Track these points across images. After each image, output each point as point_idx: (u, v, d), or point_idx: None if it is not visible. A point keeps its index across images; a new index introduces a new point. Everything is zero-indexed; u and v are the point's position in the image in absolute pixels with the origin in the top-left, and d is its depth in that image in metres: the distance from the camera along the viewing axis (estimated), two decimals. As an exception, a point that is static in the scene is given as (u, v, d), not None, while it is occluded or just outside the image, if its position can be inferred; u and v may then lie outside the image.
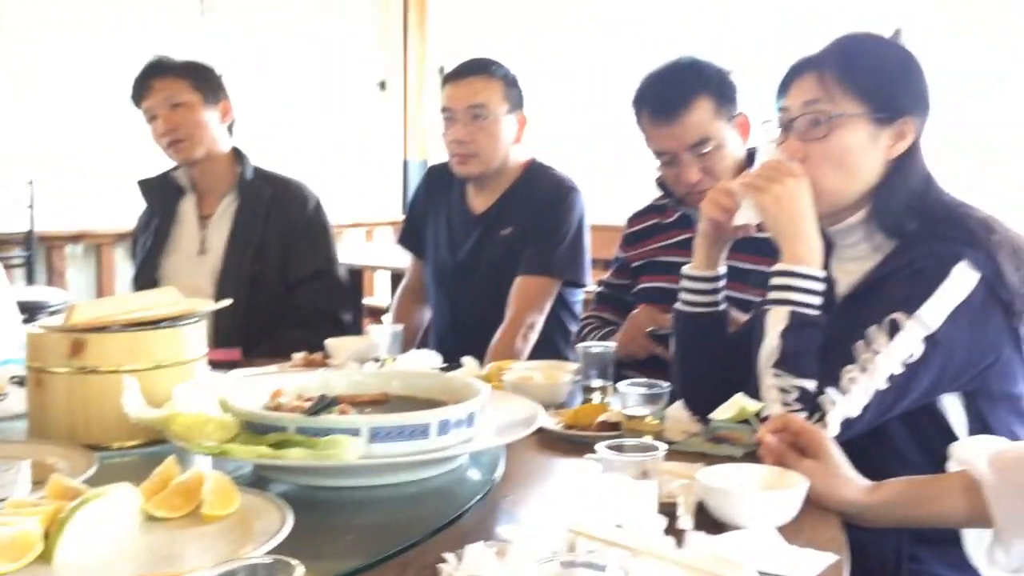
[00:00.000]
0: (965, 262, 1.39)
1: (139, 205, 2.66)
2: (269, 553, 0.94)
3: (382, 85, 6.15)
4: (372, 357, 2.02)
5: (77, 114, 4.96)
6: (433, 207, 2.64)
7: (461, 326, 2.54)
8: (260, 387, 1.40)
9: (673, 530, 1.10)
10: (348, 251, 4.91)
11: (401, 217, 6.31)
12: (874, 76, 1.48)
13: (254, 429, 1.24)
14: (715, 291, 1.66)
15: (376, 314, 4.76)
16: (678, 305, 1.69)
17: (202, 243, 2.52)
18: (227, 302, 1.69)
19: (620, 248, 2.31)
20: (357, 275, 4.68)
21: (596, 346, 1.86)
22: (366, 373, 1.56)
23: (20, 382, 1.60)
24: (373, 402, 1.43)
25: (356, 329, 2.72)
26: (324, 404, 1.24)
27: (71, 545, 0.95)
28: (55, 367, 1.40)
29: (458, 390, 1.40)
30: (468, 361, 1.96)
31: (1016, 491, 1.19)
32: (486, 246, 2.47)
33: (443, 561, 0.99)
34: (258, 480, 1.25)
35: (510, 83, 2.44)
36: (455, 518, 1.15)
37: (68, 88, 4.98)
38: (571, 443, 1.54)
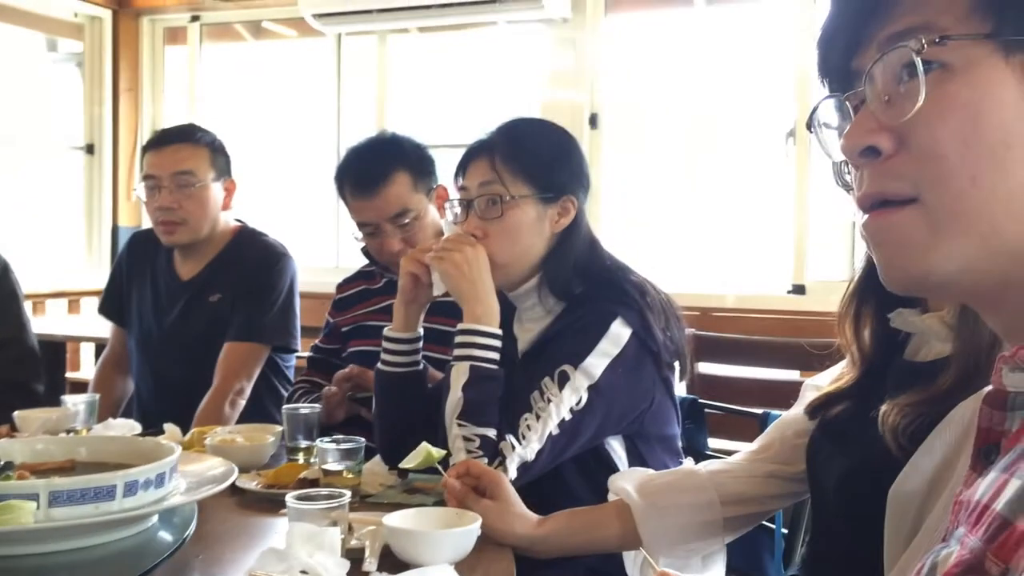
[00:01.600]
0: (619, 319, 1.59)
1: None
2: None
3: (89, 148, 5.87)
4: (66, 429, 1.95)
5: None
6: (138, 274, 2.58)
7: (166, 394, 2.48)
8: (-69, 459, 1.33)
9: (359, 573, 1.17)
10: (50, 322, 4.61)
11: (110, 286, 6.02)
12: (538, 160, 1.67)
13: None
14: (413, 352, 1.77)
15: (81, 389, 4.48)
16: (379, 365, 1.78)
17: None
18: None
19: (330, 313, 2.38)
20: (60, 347, 4.40)
21: (301, 407, 1.91)
22: (50, 440, 1.51)
23: None
24: (59, 469, 1.40)
25: (52, 402, 2.59)
26: (1, 470, 1.20)
27: None
28: None
29: (148, 453, 1.40)
30: (170, 427, 1.95)
31: (660, 513, 1.37)
32: (194, 312, 2.45)
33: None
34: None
35: (217, 149, 2.46)
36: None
37: None
38: (270, 502, 1.58)
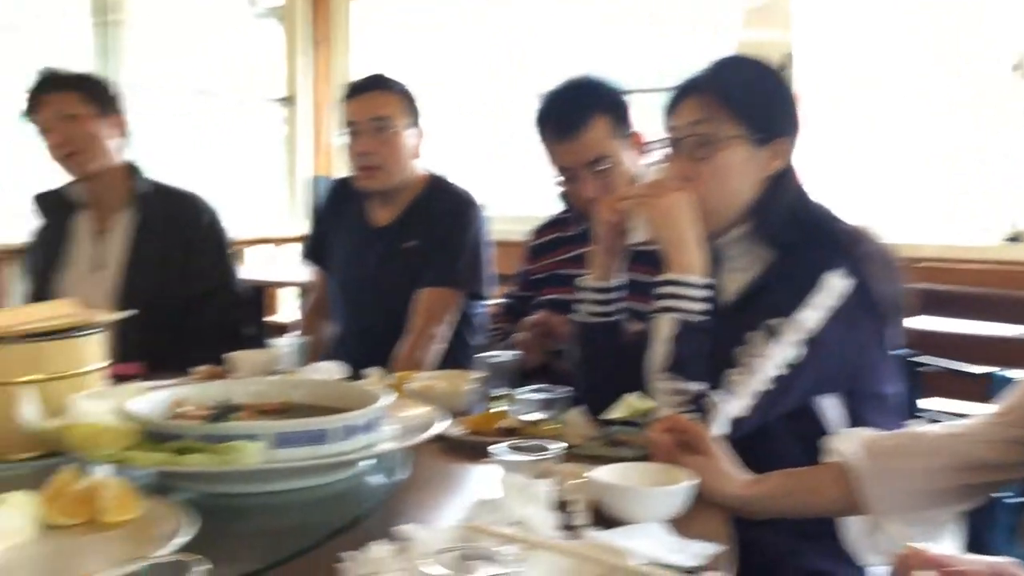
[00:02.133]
0: (835, 270, 1.48)
1: (32, 221, 2.61)
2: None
3: (289, 100, 6.12)
4: (275, 370, 2.02)
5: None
6: (337, 221, 2.65)
7: (366, 338, 2.55)
8: (161, 398, 1.40)
9: (570, 527, 1.15)
10: (253, 268, 4.85)
11: (307, 232, 6.28)
12: (752, 99, 1.57)
13: (155, 438, 1.24)
14: (611, 301, 1.72)
15: (282, 331, 4.71)
16: (574, 316, 1.75)
17: (98, 259, 2.48)
18: (126, 313, 1.68)
19: (523, 261, 2.37)
20: (262, 292, 4.63)
21: (498, 355, 1.91)
22: (268, 382, 1.57)
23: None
24: (275, 411, 1.45)
25: (259, 345, 2.71)
26: (225, 412, 1.25)
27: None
28: (-52, 379, 1.38)
29: (359, 398, 1.43)
30: (373, 372, 1.99)
31: (887, 477, 1.28)
32: (389, 259, 2.50)
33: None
34: (162, 489, 1.26)
35: (408, 97, 2.49)
36: (356, 520, 1.18)
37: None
38: (472, 449, 1.58)
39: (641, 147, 2.13)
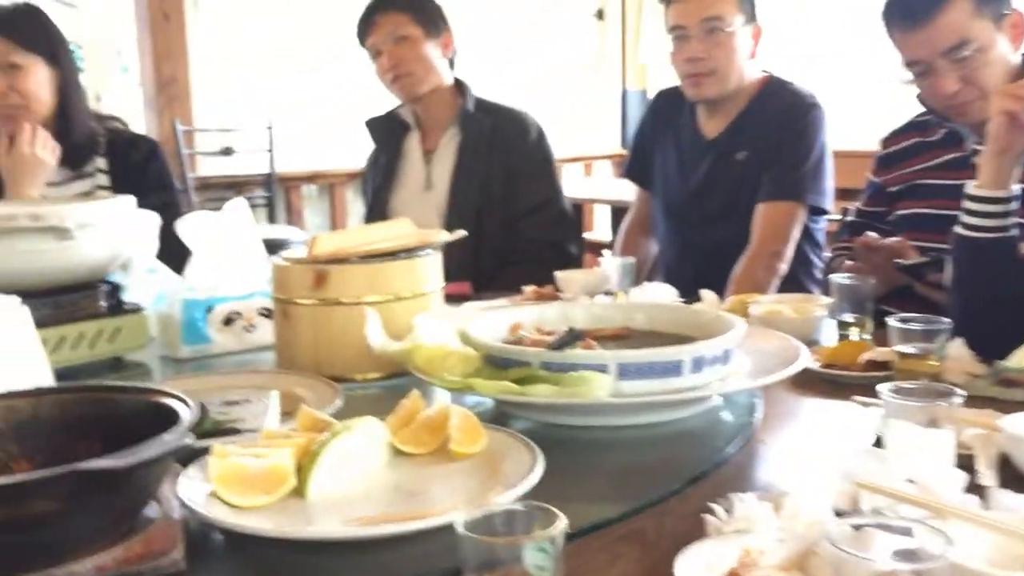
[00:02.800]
0: None
1: (368, 144, 2.70)
2: (522, 498, 0.88)
3: (599, 14, 5.99)
4: (603, 290, 1.94)
5: (310, 58, 5.14)
6: (661, 136, 2.50)
7: (692, 258, 2.41)
8: (498, 320, 1.35)
9: (973, 487, 0.95)
10: (567, 185, 4.85)
11: (620, 150, 6.20)
12: None
13: (496, 363, 1.18)
14: (1004, 214, 1.45)
15: (597, 248, 4.69)
16: (958, 228, 1.49)
17: (427, 178, 2.52)
18: (461, 233, 1.65)
19: (873, 172, 2.09)
20: (577, 209, 4.62)
21: (852, 278, 1.69)
22: (607, 306, 1.47)
23: (267, 314, 1.64)
24: (615, 336, 1.35)
25: (581, 264, 2.65)
26: (569, 339, 1.16)
27: (323, 479, 0.93)
28: (300, 299, 1.40)
29: (707, 325, 1.29)
30: (707, 294, 1.84)
31: None
32: (720, 173, 2.32)
33: (707, 511, 0.89)
34: (499, 416, 1.20)
35: None
36: (715, 464, 1.05)
37: (300, 33, 5.17)
38: (831, 384, 1.41)
39: (1021, 31, 1.78)
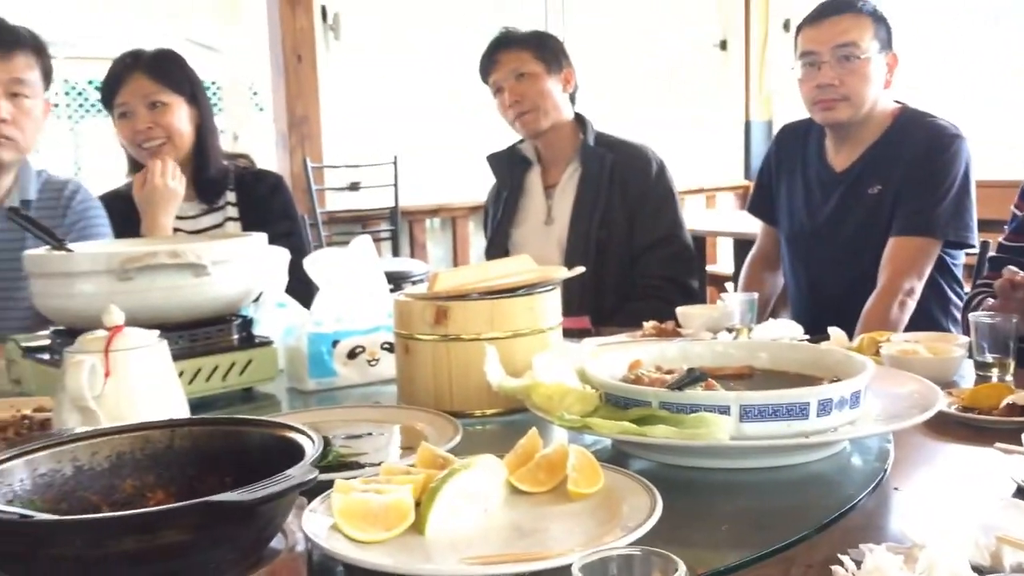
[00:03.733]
0: None
1: (489, 179, 2.73)
2: (639, 541, 0.86)
3: (722, 45, 5.93)
4: (726, 327, 1.90)
5: (434, 94, 5.26)
6: (787, 169, 2.45)
7: (817, 295, 2.34)
8: (617, 357, 1.34)
9: None
10: (689, 218, 4.79)
11: (743, 181, 6.10)
12: None
13: (615, 402, 1.17)
14: None
15: (719, 282, 4.61)
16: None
17: (548, 213, 2.53)
18: (580, 270, 1.65)
19: (1017, 205, 2.00)
20: (699, 242, 4.56)
21: (994, 316, 1.61)
22: (729, 344, 1.44)
23: (389, 348, 1.67)
24: (737, 376, 1.32)
25: (702, 297, 2.61)
26: (690, 379, 1.14)
27: (441, 516, 0.94)
28: (421, 334, 1.43)
29: (835, 365, 1.25)
30: (835, 332, 1.78)
31: None
32: (849, 207, 2.25)
33: (835, 561, 0.86)
34: (617, 456, 1.19)
35: (879, 19, 2.19)
36: (842, 512, 1.01)
37: (425, 70, 5.30)
38: (970, 429, 1.34)
39: None
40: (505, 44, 2.49)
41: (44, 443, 0.93)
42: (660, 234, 2.43)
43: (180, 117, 2.25)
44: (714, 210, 5.96)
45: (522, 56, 2.46)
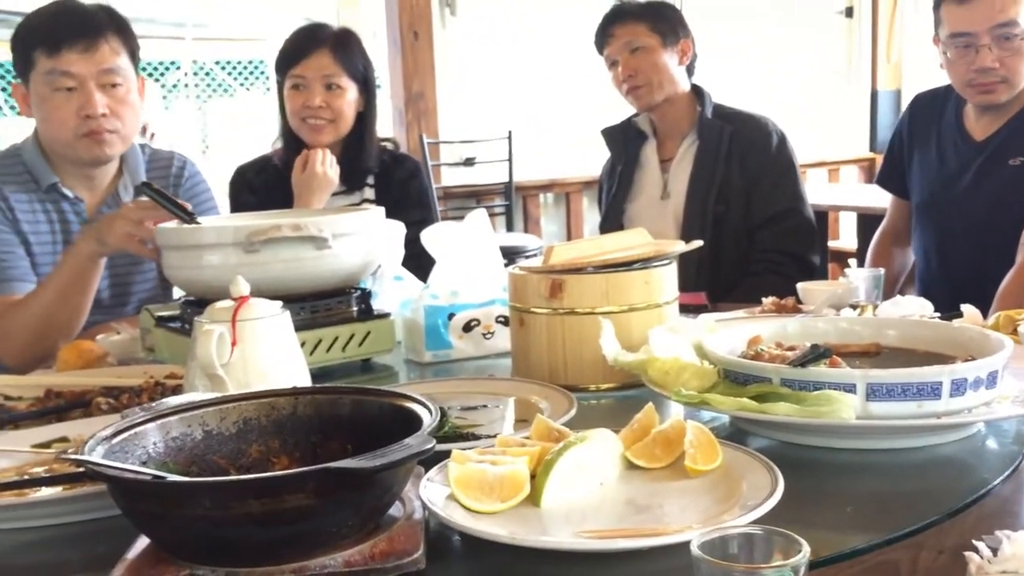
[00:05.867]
0: None
1: (604, 153, 2.71)
2: (759, 520, 0.84)
3: (847, 12, 5.71)
4: (849, 303, 1.83)
5: (548, 68, 5.24)
6: (920, 139, 2.34)
7: (951, 270, 2.23)
8: (735, 333, 1.31)
9: None
10: (811, 191, 4.65)
11: (869, 154, 5.87)
12: None
13: (734, 378, 1.14)
14: None
15: (842, 258, 4.46)
16: None
17: (664, 187, 2.49)
18: (697, 243, 1.61)
19: None
20: (821, 217, 4.41)
21: None
22: (853, 320, 1.39)
23: (504, 321, 1.68)
24: (863, 353, 1.27)
25: (823, 273, 2.53)
26: (814, 355, 1.10)
27: (556, 488, 0.93)
28: (535, 308, 1.43)
29: (969, 343, 1.19)
30: (968, 310, 1.69)
31: None
32: (988, 178, 2.14)
33: (968, 548, 0.82)
34: (735, 433, 1.16)
35: None
36: (976, 498, 0.96)
37: (539, 45, 5.29)
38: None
39: None
40: (620, 17, 2.45)
41: (176, 408, 0.97)
42: (779, 208, 2.37)
43: (349, 102, 2.30)
44: (837, 184, 5.76)
45: (637, 29, 2.42)
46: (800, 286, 1.90)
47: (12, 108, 6.66)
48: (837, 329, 1.32)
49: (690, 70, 2.49)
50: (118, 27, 2.02)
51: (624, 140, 2.59)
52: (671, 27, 2.43)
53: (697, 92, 2.48)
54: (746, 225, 2.38)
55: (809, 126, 5.33)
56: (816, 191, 4.90)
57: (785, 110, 4.29)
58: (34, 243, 2.02)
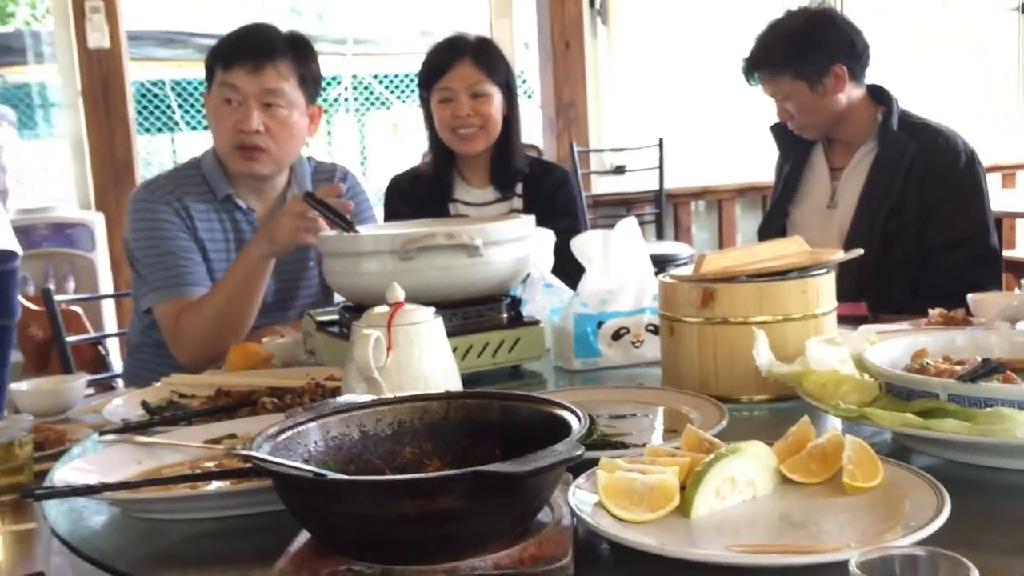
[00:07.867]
0: None
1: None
2: (923, 541, 0.80)
3: (1022, 8, 5.37)
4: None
5: (701, 74, 5.16)
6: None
7: None
8: (899, 345, 1.25)
9: None
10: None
11: (1048, 157, 5.49)
12: None
13: (897, 393, 1.10)
14: None
15: (1017, 268, 4.20)
16: None
17: (832, 196, 2.39)
18: (856, 252, 1.55)
19: None
20: (995, 224, 4.16)
21: None
22: (1027, 334, 1.31)
23: (654, 330, 1.66)
24: (1045, 368, 1.19)
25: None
26: (985, 370, 1.04)
27: (707, 500, 0.92)
28: (686, 316, 1.41)
29: None
30: None
31: None
32: None
33: None
34: (897, 450, 1.12)
35: None
36: None
37: (691, 50, 5.22)
38: None
39: None
40: (758, 68, 2.34)
41: (335, 409, 1.01)
42: (961, 234, 2.19)
43: (496, 107, 2.36)
44: (1013, 189, 5.42)
45: (779, 81, 2.31)
46: (971, 297, 1.81)
47: (188, 124, 7.12)
48: (1011, 343, 1.24)
49: (861, 69, 2.34)
50: (296, 54, 2.09)
51: (794, 139, 2.47)
52: (815, 67, 2.29)
53: (877, 96, 2.34)
54: (920, 248, 2.24)
55: (981, 128, 5.03)
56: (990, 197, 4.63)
57: (955, 111, 4.07)
58: (210, 250, 2.14)
